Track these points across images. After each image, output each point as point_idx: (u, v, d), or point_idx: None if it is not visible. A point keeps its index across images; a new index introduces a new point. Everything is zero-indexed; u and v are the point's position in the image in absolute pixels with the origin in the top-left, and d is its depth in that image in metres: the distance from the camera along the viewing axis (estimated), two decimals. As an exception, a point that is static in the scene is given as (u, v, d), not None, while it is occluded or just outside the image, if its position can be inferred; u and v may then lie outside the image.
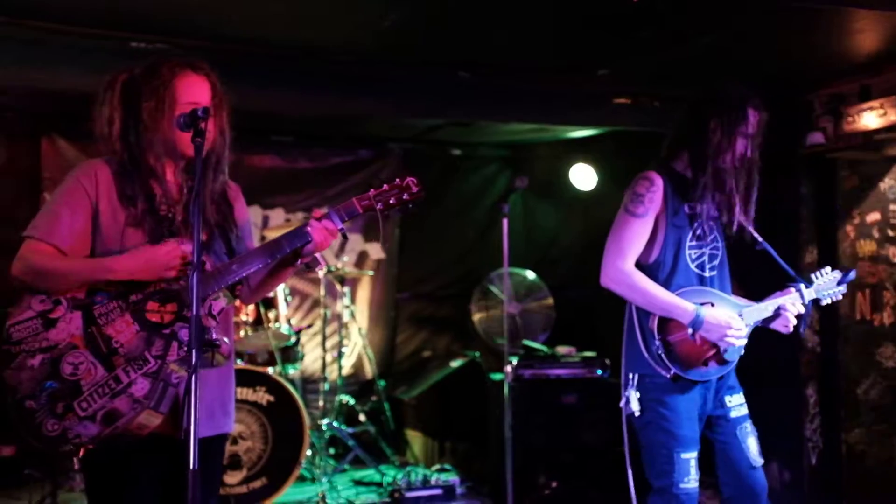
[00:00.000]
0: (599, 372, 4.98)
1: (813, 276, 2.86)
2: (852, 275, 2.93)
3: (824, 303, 2.88)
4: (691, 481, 2.66)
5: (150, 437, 2.17)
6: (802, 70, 4.34)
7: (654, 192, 2.71)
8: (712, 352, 2.68)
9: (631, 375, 2.75)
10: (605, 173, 5.76)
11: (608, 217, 6.51)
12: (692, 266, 2.74)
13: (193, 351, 1.93)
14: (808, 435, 4.60)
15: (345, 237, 2.51)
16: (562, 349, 5.16)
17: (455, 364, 5.67)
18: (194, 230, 2.00)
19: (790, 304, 2.76)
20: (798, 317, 2.80)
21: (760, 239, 2.87)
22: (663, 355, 2.66)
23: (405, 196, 2.26)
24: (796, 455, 4.57)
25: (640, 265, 2.74)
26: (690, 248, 2.75)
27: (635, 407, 2.71)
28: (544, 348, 5.25)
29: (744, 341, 2.69)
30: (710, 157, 2.69)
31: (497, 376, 5.00)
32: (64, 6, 3.39)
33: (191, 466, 1.90)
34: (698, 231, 2.74)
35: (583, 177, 5.81)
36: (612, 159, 5.74)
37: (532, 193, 6.35)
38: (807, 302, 2.79)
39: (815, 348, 4.65)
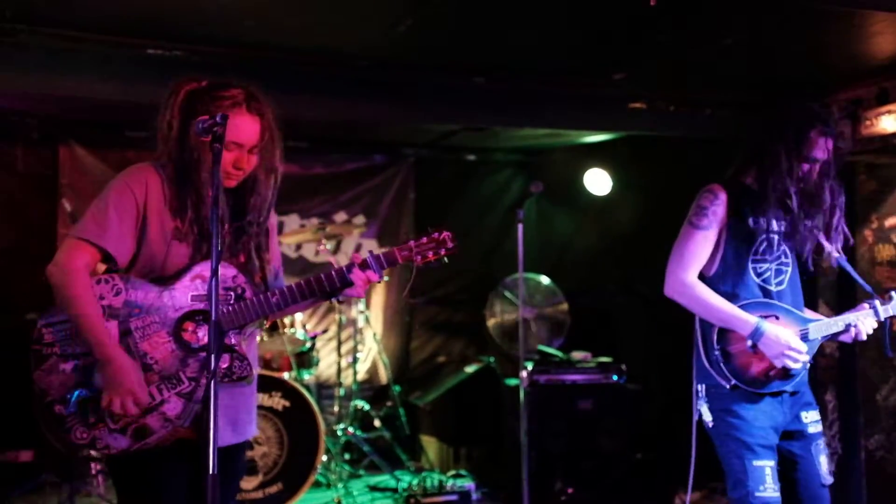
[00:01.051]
0: (615, 377, 4.96)
1: (894, 293, 2.81)
2: None
3: None
4: (768, 490, 2.64)
5: (177, 443, 2.18)
6: (819, 73, 4.31)
7: (718, 206, 2.76)
8: (774, 366, 2.69)
9: (699, 386, 2.79)
10: (619, 178, 5.75)
11: (623, 222, 6.53)
12: (756, 279, 2.77)
13: (212, 356, 1.93)
14: (827, 441, 4.56)
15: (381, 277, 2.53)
16: (577, 354, 5.15)
17: (470, 369, 5.67)
18: (213, 238, 1.99)
19: (861, 321, 2.75)
20: (876, 334, 2.79)
21: (837, 256, 2.86)
22: (722, 366, 2.70)
23: (442, 251, 2.38)
24: (815, 461, 4.53)
25: (702, 277, 2.78)
26: (754, 261, 2.77)
27: (707, 417, 2.76)
28: (559, 354, 5.23)
29: (799, 364, 2.67)
30: (771, 178, 2.73)
31: (512, 382, 4.99)
32: (82, 14, 3.42)
33: (210, 471, 1.90)
34: (762, 245, 2.77)
35: (598, 182, 5.80)
36: (627, 164, 5.72)
37: (547, 199, 6.33)
38: (883, 319, 2.77)
39: (833, 354, 4.61)
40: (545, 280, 5.69)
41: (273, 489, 4.43)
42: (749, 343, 2.66)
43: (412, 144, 6.31)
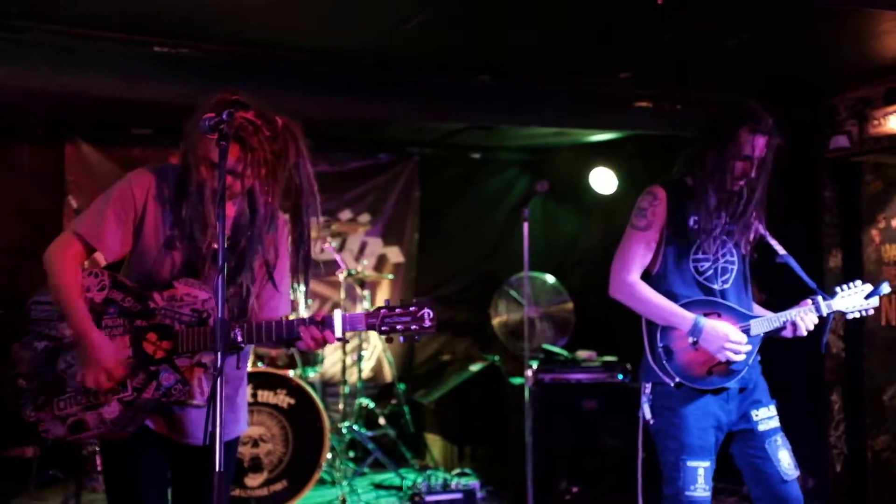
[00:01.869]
0: (620, 377, 4.95)
1: (839, 288, 2.81)
2: (883, 288, 2.86)
3: (851, 316, 2.83)
4: (699, 490, 2.67)
5: (153, 438, 2.25)
6: (827, 73, 4.30)
7: (657, 206, 2.80)
8: (716, 361, 2.71)
9: (645, 385, 2.82)
10: (625, 177, 5.74)
11: (628, 221, 6.45)
12: (698, 277, 2.79)
13: (219, 354, 1.93)
14: (833, 442, 4.55)
15: (344, 340, 2.44)
16: (582, 354, 5.14)
17: (474, 368, 5.67)
18: (219, 232, 1.99)
19: (801, 317, 2.75)
20: (818, 329, 2.80)
21: (781, 252, 2.89)
22: (666, 364, 2.73)
23: (414, 326, 2.16)
24: (821, 462, 4.51)
25: (647, 276, 2.82)
26: (695, 260, 2.79)
27: (648, 415, 2.79)
28: (564, 353, 5.23)
29: (741, 356, 2.68)
30: (707, 180, 2.76)
31: (517, 380, 4.98)
32: (88, 11, 3.42)
33: (217, 468, 1.93)
34: (705, 244, 2.78)
35: (603, 181, 5.79)
36: (633, 163, 5.71)
37: (552, 197, 6.33)
38: (825, 314, 2.77)
39: (839, 354, 4.60)
40: (550, 279, 5.68)
41: (278, 486, 4.44)
42: (690, 340, 2.70)
43: (417, 143, 6.31)
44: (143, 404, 2.17)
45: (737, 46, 3.78)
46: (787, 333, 2.79)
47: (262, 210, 2.29)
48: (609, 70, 4.30)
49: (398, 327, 2.16)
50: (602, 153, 5.86)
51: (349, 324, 2.18)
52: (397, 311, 2.17)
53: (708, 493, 2.70)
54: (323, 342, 2.17)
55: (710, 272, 2.79)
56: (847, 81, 4.37)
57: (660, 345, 2.75)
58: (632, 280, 2.79)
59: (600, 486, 4.73)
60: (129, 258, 2.29)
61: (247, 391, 2.53)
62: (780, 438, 2.77)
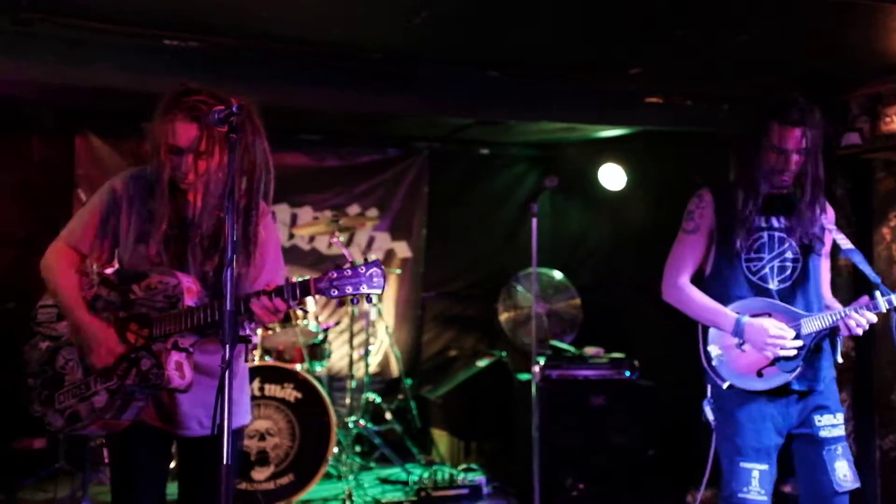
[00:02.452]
0: (628, 373, 4.94)
1: None
2: None
3: None
4: (752, 493, 2.64)
5: (151, 430, 2.34)
6: (839, 70, 4.26)
7: (704, 208, 2.80)
8: (765, 362, 2.68)
9: (708, 386, 2.83)
10: (634, 173, 5.71)
11: (637, 217, 6.49)
12: (752, 277, 2.75)
13: (227, 346, 1.96)
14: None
15: (304, 312, 2.47)
16: (589, 350, 5.13)
17: (481, 363, 5.66)
18: (228, 228, 2.04)
19: (853, 314, 2.62)
20: (879, 326, 2.73)
21: (845, 246, 2.80)
22: (717, 366, 2.73)
23: (362, 287, 2.12)
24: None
25: (700, 278, 2.82)
26: (748, 260, 2.75)
27: (710, 416, 2.79)
28: (572, 349, 5.22)
29: (787, 351, 2.64)
30: (743, 175, 2.73)
31: (524, 376, 4.98)
32: (98, 4, 3.42)
33: (224, 461, 1.97)
34: (758, 243, 2.74)
35: (612, 177, 5.77)
36: (642, 159, 5.69)
37: (560, 193, 6.31)
38: (883, 310, 2.64)
39: (848, 353, 4.57)
40: (558, 275, 5.67)
41: (284, 480, 4.45)
42: (736, 341, 2.68)
43: (426, 138, 6.30)
44: (127, 391, 2.25)
45: (749, 42, 3.75)
46: (844, 332, 2.68)
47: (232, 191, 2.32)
48: (620, 66, 4.27)
49: (348, 290, 2.12)
50: (611, 149, 5.84)
51: (300, 290, 2.17)
52: (346, 272, 2.13)
53: (764, 498, 2.65)
54: (275, 310, 2.17)
55: (765, 271, 2.74)
56: (859, 78, 4.33)
57: (710, 347, 2.75)
58: (680, 283, 2.80)
59: (607, 483, 4.73)
60: (119, 259, 2.42)
61: (247, 383, 2.58)
62: (841, 448, 2.71)
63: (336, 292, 2.13)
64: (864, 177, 4.59)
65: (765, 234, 2.73)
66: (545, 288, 5.58)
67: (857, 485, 2.71)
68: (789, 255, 2.75)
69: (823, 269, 2.84)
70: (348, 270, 2.13)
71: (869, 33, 3.69)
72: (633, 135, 5.65)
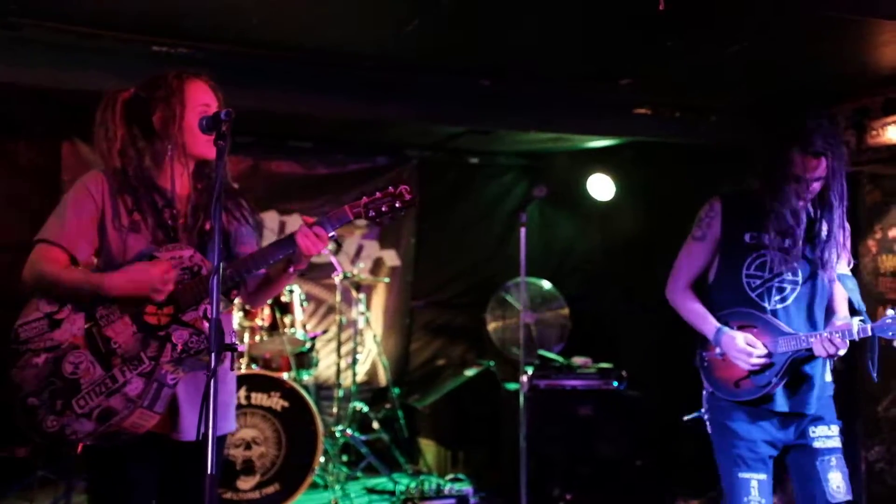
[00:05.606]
0: (615, 383, 4.94)
1: (890, 310, 2.58)
2: None
3: None
4: (752, 502, 2.65)
5: (146, 436, 2.25)
6: (826, 83, 4.30)
7: (713, 217, 2.81)
8: (742, 374, 2.70)
9: (704, 393, 2.86)
10: (623, 184, 5.74)
11: (625, 227, 6.50)
12: (750, 294, 2.74)
13: (213, 354, 1.94)
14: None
15: (338, 244, 2.53)
16: (577, 360, 5.13)
17: (469, 373, 5.65)
18: (215, 232, 2.03)
19: (825, 340, 2.57)
20: (862, 355, 2.71)
21: (839, 272, 2.76)
22: (702, 373, 2.79)
23: (397, 204, 2.28)
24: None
25: (704, 284, 2.85)
26: (748, 275, 2.75)
27: (709, 427, 2.81)
28: (560, 359, 5.22)
29: (749, 365, 2.65)
30: (765, 195, 2.73)
31: (512, 386, 4.97)
32: (87, 9, 3.41)
33: (209, 471, 1.92)
34: (760, 260, 2.74)
35: (600, 187, 5.79)
36: (631, 170, 5.71)
37: (549, 203, 6.33)
38: (856, 338, 2.57)
39: (835, 366, 4.58)
40: (546, 284, 5.67)
41: (270, 490, 4.42)
42: (717, 350, 2.73)
43: (416, 146, 6.30)
44: (163, 372, 2.20)
45: (737, 54, 3.78)
46: (822, 354, 2.61)
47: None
48: (610, 76, 4.30)
49: (383, 209, 2.28)
50: (600, 159, 5.86)
51: (337, 219, 2.30)
52: (377, 194, 2.29)
53: None
54: (316, 239, 2.28)
55: (763, 290, 2.73)
56: (846, 91, 4.37)
57: (697, 352, 2.81)
58: (679, 287, 2.85)
59: (594, 494, 4.72)
60: (101, 260, 2.35)
61: (234, 390, 2.55)
62: (835, 459, 2.69)
63: (373, 213, 2.27)
64: (851, 189, 4.61)
65: (769, 253, 2.72)
66: (534, 297, 5.58)
67: (850, 497, 2.69)
68: (789, 276, 2.72)
69: (837, 289, 2.79)
70: (379, 193, 2.27)
71: (856, 47, 3.72)
72: (622, 145, 5.67)
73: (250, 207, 2.52)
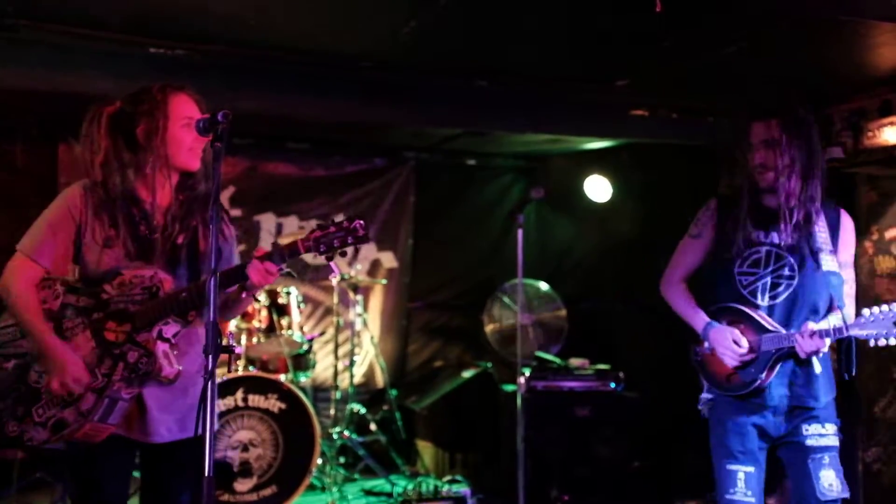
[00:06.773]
0: (613, 385, 4.95)
1: (866, 311, 2.56)
2: None
3: (873, 343, 2.56)
4: (738, 493, 2.66)
5: (116, 439, 2.30)
6: (823, 84, 4.31)
7: (708, 215, 2.86)
8: (730, 369, 2.73)
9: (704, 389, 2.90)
10: (620, 185, 5.74)
11: (623, 229, 6.50)
12: (742, 291, 2.75)
13: (210, 356, 1.95)
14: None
15: (291, 276, 2.53)
16: (575, 361, 5.13)
17: (467, 374, 5.65)
18: (211, 235, 2.06)
19: (802, 338, 2.58)
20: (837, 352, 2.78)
21: (822, 266, 2.71)
22: (697, 369, 2.83)
23: (349, 239, 2.23)
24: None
25: (699, 281, 2.89)
26: (740, 272, 2.75)
27: (704, 413, 2.87)
28: (557, 360, 5.22)
29: (731, 361, 2.69)
30: (742, 183, 2.76)
31: (509, 387, 4.97)
32: (84, 11, 3.41)
33: (206, 473, 1.93)
34: (754, 257, 2.74)
35: (598, 188, 5.80)
36: (628, 171, 5.72)
37: (546, 205, 6.33)
38: (832, 337, 2.57)
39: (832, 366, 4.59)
40: (544, 286, 5.68)
41: (267, 492, 4.41)
42: (706, 344, 2.77)
43: (413, 148, 6.31)
44: (115, 389, 2.24)
45: (733, 56, 3.79)
46: (801, 352, 2.60)
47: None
48: (606, 77, 4.30)
49: (335, 244, 2.22)
50: (597, 161, 5.87)
51: (288, 252, 2.27)
52: (330, 228, 2.23)
53: (752, 499, 2.66)
54: (266, 273, 2.25)
55: (756, 286, 2.73)
56: (842, 92, 4.38)
57: (694, 349, 2.85)
58: (673, 282, 2.90)
59: (592, 495, 4.72)
60: (79, 269, 2.39)
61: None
62: (828, 458, 2.68)
63: (324, 247, 2.22)
64: (847, 191, 4.63)
65: (762, 250, 2.73)
66: (531, 299, 5.58)
67: (846, 495, 2.69)
68: (785, 271, 2.71)
69: (836, 285, 2.76)
70: (332, 227, 2.22)
71: (852, 49, 3.73)
72: (619, 147, 5.68)
73: (228, 218, 2.58)
